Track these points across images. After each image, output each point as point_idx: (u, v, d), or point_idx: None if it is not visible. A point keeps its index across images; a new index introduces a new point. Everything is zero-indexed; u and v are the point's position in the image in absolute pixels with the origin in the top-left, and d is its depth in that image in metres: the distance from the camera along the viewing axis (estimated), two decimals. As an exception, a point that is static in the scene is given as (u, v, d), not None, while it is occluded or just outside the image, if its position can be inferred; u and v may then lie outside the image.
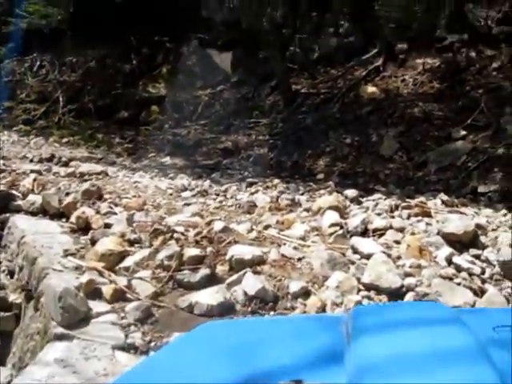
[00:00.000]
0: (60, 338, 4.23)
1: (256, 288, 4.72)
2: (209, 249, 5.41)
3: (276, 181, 10.00)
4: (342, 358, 1.49)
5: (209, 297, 4.71)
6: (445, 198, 8.32)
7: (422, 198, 8.06)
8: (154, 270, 5.19)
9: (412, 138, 11.49)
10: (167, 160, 12.88)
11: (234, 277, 4.98)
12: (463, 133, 10.82)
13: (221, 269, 5.17)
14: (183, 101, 17.03)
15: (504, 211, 7.06)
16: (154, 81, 18.88)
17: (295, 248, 5.60)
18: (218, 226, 6.06)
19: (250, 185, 9.81)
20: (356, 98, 13.31)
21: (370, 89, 13.39)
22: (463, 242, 5.91)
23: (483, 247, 5.86)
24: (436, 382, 1.28)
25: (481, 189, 9.34)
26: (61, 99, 18.07)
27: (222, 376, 1.48)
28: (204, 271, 5.06)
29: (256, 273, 5.02)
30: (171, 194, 8.86)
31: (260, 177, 10.76)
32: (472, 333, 1.50)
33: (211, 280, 5.04)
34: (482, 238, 6.00)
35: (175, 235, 5.73)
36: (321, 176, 11.20)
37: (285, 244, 5.76)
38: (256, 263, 5.16)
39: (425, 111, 11.98)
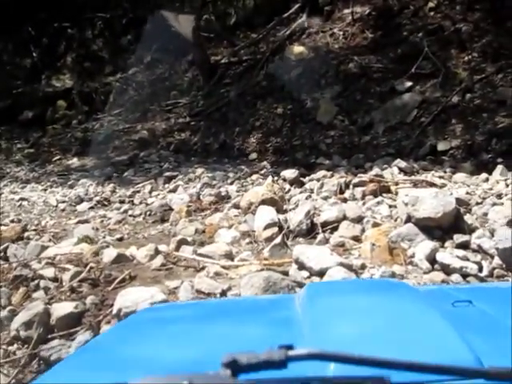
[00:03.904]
0: None
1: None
2: (89, 299, 3.68)
3: (200, 170, 8.27)
4: (296, 323, 1.42)
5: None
6: (402, 164, 6.84)
7: (377, 169, 6.54)
8: (6, 346, 3.44)
9: (351, 97, 9.93)
10: (74, 162, 10.92)
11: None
12: (409, 84, 9.29)
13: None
14: (92, 91, 15.07)
15: (484, 175, 5.52)
16: (58, 72, 16.82)
17: (217, 274, 3.94)
18: (108, 255, 4.32)
19: (169, 180, 8.07)
20: (282, 62, 11.64)
21: (297, 49, 11.75)
22: (443, 227, 4.39)
23: (470, 230, 4.36)
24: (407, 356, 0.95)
25: (441, 146, 7.84)
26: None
27: (195, 347, 1.38)
28: (82, 337, 3.36)
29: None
30: (63, 210, 7.04)
31: (182, 167, 9.02)
32: (435, 308, 1.44)
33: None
34: (467, 217, 4.50)
35: (43, 282, 3.97)
36: (253, 156, 9.56)
37: (203, 269, 4.09)
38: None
39: (361, 65, 10.43)
